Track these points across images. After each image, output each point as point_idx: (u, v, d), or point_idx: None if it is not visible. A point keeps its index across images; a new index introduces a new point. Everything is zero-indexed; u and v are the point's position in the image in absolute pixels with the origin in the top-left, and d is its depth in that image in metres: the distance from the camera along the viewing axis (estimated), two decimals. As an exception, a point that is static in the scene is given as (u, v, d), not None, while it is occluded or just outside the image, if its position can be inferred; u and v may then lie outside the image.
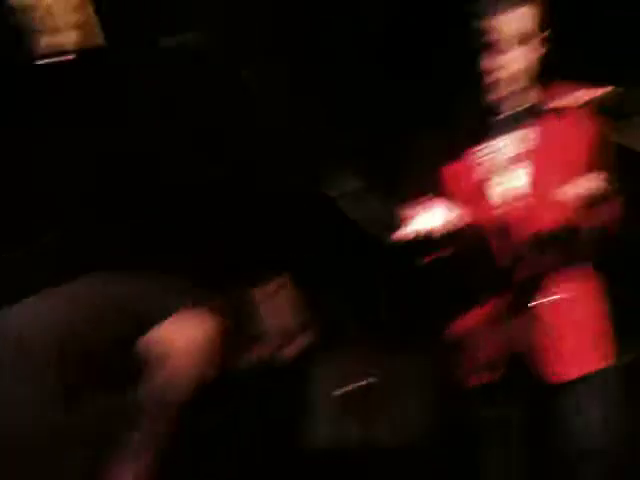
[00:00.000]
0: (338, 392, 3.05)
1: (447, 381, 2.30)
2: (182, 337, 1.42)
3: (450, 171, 2.26)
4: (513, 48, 2.12)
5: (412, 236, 2.10)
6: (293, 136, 3.33)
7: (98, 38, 2.93)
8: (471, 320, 2.22)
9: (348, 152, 3.50)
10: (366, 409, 3.03)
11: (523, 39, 2.12)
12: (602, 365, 2.23)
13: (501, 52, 2.13)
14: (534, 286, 2.15)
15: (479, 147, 2.23)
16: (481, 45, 2.15)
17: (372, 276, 3.26)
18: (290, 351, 1.64)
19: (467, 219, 2.18)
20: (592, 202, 1.98)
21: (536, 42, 2.15)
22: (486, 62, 2.17)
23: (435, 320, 2.30)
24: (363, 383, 3.06)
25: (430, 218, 2.12)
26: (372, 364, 3.11)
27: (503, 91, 2.18)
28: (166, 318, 1.41)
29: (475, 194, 2.21)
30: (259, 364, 1.61)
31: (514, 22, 2.11)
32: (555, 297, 2.16)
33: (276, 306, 1.60)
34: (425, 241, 2.10)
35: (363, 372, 3.09)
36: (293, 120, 3.33)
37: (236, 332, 1.53)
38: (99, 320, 1.39)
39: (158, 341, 1.41)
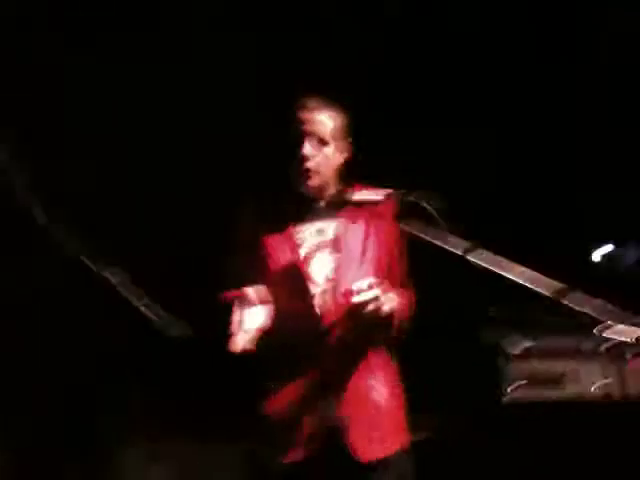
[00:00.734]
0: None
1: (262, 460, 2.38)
2: None
3: (271, 242, 2.39)
4: (319, 144, 2.38)
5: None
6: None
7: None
8: (284, 399, 2.32)
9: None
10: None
11: (329, 138, 2.39)
12: (400, 446, 2.38)
13: (311, 145, 2.37)
14: (340, 367, 2.32)
15: (298, 227, 2.41)
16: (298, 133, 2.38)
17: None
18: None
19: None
20: (370, 311, 2.23)
21: (341, 144, 2.42)
22: (301, 151, 2.38)
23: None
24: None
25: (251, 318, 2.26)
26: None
27: (314, 180, 2.39)
28: None
29: (290, 272, 2.36)
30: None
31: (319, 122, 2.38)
32: (358, 378, 2.34)
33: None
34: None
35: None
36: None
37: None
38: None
39: None
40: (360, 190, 2.34)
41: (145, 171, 3.31)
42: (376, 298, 2.25)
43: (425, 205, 2.14)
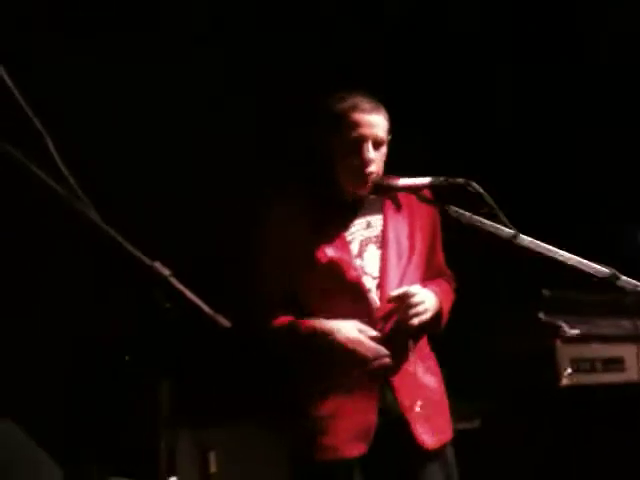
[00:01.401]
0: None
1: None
2: None
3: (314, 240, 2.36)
4: (376, 145, 2.33)
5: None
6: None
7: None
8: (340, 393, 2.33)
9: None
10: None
11: (384, 139, 2.35)
12: (449, 437, 2.43)
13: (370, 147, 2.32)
14: (395, 358, 2.33)
15: (346, 227, 2.39)
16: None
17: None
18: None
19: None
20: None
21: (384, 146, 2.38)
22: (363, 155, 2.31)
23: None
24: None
25: None
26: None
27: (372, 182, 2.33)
28: None
29: (342, 266, 2.34)
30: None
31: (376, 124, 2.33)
32: (411, 368, 2.37)
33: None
34: None
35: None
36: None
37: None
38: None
39: None
40: (394, 180, 2.32)
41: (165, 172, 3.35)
42: (417, 307, 2.29)
43: (478, 189, 2.13)
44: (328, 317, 2.33)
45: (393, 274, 2.37)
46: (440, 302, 2.39)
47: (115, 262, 1.38)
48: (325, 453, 2.30)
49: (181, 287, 1.36)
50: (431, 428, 2.36)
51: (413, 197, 2.32)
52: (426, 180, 2.23)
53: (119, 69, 3.27)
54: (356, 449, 2.28)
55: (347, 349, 2.28)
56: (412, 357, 2.38)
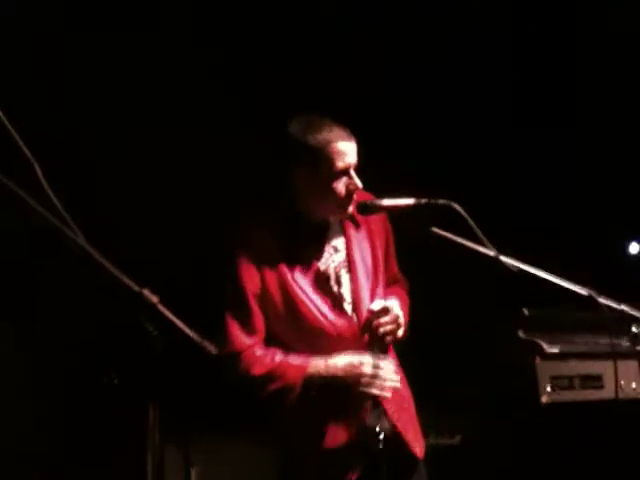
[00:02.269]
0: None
1: None
2: None
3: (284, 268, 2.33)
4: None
5: None
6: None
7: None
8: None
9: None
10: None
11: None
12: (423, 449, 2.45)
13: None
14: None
15: (318, 255, 2.39)
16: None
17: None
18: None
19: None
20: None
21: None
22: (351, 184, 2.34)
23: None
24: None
25: None
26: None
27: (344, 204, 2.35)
28: None
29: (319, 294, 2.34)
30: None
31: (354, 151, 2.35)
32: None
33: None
34: None
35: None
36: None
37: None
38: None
39: None
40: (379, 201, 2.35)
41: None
42: (395, 321, 2.33)
43: (459, 209, 2.17)
44: (310, 351, 2.32)
45: (365, 296, 2.39)
46: (405, 314, 2.43)
47: (103, 288, 1.39)
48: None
49: (169, 314, 1.37)
50: (416, 437, 2.41)
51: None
52: (409, 200, 2.27)
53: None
54: (350, 475, 2.28)
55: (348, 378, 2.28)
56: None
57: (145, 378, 1.42)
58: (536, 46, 4.20)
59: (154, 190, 3.38)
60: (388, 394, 2.30)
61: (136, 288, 1.38)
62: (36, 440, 2.89)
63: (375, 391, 2.27)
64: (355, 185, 2.33)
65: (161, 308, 1.36)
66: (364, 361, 2.28)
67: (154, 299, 1.37)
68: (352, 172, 2.34)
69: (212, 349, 1.38)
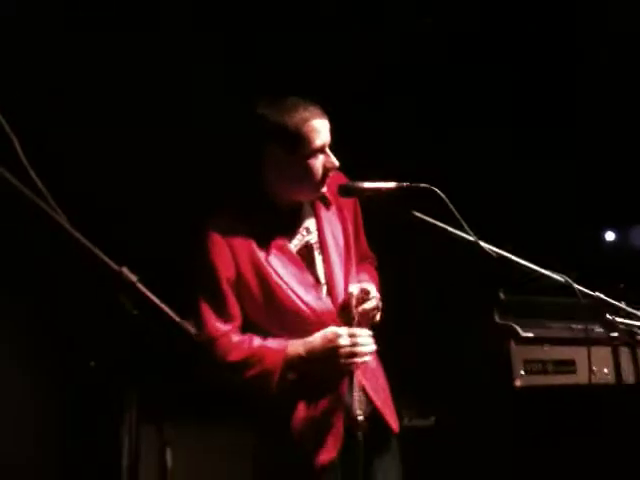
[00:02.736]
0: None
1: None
2: None
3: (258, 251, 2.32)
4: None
5: None
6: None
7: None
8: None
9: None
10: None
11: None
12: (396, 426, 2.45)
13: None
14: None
15: (289, 237, 2.38)
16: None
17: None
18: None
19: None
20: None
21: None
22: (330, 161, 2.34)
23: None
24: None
25: None
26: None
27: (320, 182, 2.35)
28: None
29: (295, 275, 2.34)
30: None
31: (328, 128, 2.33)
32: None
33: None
34: None
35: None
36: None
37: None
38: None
39: None
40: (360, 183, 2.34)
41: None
42: (378, 302, 2.36)
43: (440, 194, 2.18)
44: (288, 335, 2.31)
45: (339, 276, 2.39)
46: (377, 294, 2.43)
47: (83, 266, 1.38)
48: (296, 460, 2.28)
49: (148, 293, 1.37)
50: (391, 412, 2.43)
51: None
52: (391, 184, 2.27)
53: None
54: (327, 455, 2.28)
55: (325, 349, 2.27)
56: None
57: (123, 358, 1.42)
58: (536, 46, 4.21)
59: (137, 172, 3.36)
60: (369, 358, 2.31)
61: (115, 267, 1.37)
62: (13, 421, 2.87)
63: (357, 359, 2.27)
64: (332, 163, 2.33)
65: (140, 287, 1.36)
66: (339, 332, 2.27)
67: (133, 278, 1.37)
68: (328, 150, 2.34)
69: (191, 329, 1.38)
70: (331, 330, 2.27)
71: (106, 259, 1.39)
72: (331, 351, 2.25)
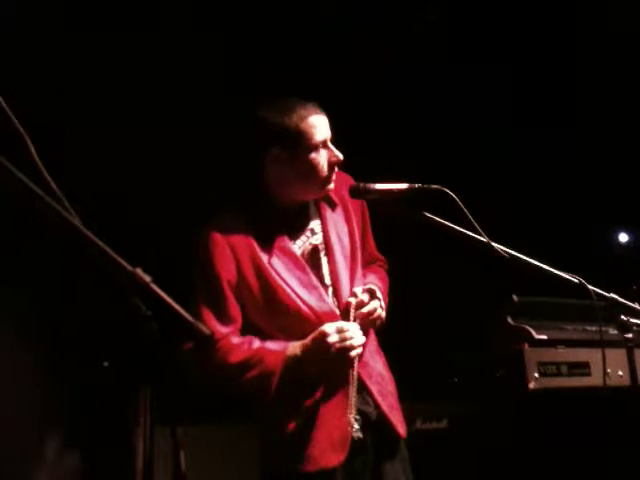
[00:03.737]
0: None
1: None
2: None
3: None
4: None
5: None
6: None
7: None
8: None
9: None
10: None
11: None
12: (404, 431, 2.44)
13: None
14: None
15: (294, 239, 2.38)
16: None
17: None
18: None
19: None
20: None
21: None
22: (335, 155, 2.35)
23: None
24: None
25: None
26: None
27: (327, 178, 2.36)
28: None
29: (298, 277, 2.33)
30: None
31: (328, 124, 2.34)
32: (373, 364, 2.40)
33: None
34: None
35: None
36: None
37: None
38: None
39: None
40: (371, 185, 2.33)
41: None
42: (382, 303, 2.37)
43: (452, 195, 2.17)
44: (289, 337, 2.30)
45: (344, 278, 2.39)
46: (384, 294, 2.44)
47: (96, 268, 1.38)
48: (303, 464, 2.26)
49: (162, 294, 1.36)
50: (399, 418, 2.41)
51: (345, 191, 2.35)
52: (403, 186, 2.27)
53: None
54: (335, 458, 2.27)
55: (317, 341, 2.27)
56: (371, 356, 2.43)
57: (137, 360, 1.42)
58: (536, 46, 4.20)
59: (138, 173, 3.37)
60: (359, 349, 2.29)
61: (129, 268, 1.37)
62: (24, 420, 2.88)
63: (349, 353, 2.26)
64: (337, 157, 2.34)
65: (154, 287, 1.35)
66: (327, 330, 2.25)
67: (147, 278, 1.36)
68: (330, 144, 2.34)
69: (205, 330, 1.38)
70: (320, 329, 2.27)
71: (120, 260, 1.38)
72: (322, 348, 2.24)
